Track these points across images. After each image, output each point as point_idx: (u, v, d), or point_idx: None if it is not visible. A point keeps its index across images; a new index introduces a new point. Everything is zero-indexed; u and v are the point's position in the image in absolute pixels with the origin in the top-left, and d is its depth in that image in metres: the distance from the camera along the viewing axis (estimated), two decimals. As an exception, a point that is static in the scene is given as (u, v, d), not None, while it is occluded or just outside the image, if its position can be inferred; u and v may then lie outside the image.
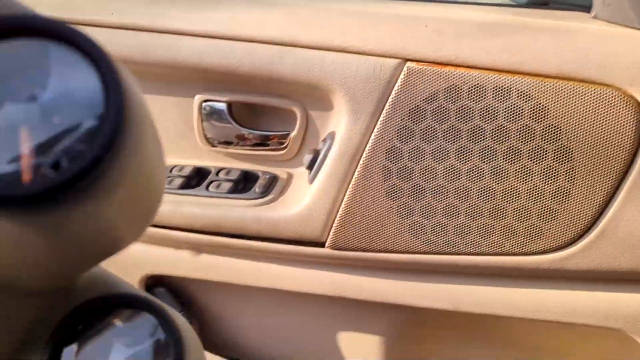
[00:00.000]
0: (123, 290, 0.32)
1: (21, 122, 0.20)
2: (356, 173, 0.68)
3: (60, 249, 0.22)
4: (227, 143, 0.78)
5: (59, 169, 0.19)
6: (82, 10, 0.75)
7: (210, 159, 0.81)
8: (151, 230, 0.78)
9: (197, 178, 0.80)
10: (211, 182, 0.77)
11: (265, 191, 0.75)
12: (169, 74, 0.75)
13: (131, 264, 0.82)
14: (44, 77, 0.20)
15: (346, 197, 0.69)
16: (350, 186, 0.69)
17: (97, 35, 0.73)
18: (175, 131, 0.80)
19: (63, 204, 0.19)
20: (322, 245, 0.72)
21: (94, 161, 0.19)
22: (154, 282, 0.85)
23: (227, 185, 0.76)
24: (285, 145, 0.77)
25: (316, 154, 0.72)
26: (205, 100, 0.76)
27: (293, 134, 0.76)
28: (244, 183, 0.78)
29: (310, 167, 0.73)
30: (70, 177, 0.19)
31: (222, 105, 0.76)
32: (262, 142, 0.77)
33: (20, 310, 0.28)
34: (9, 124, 0.20)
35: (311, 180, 0.72)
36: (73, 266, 0.26)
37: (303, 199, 0.72)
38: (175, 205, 0.75)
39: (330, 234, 0.71)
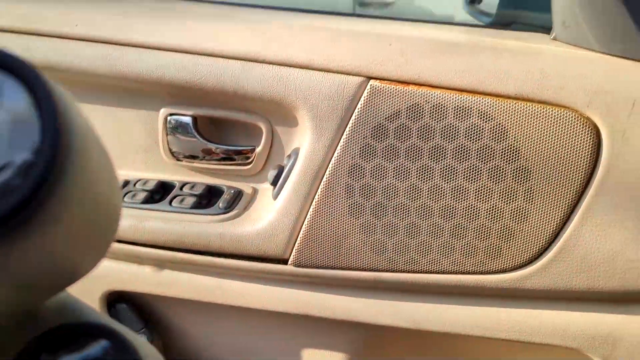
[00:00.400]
0: (87, 317, 0.31)
1: None
2: (319, 190, 0.68)
3: (11, 281, 0.21)
4: (193, 157, 0.77)
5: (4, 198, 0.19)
6: (46, 22, 0.74)
7: (175, 173, 0.80)
8: (113, 245, 0.76)
9: (161, 192, 0.79)
10: (175, 196, 0.77)
11: (229, 206, 0.75)
12: (134, 87, 0.75)
13: (93, 280, 0.80)
14: None
15: (309, 213, 0.69)
16: (314, 203, 0.68)
17: (61, 47, 0.73)
18: (140, 144, 0.79)
19: (4, 238, 0.19)
20: (285, 262, 0.72)
21: (29, 196, 0.19)
22: (115, 298, 0.83)
23: (190, 200, 0.76)
24: (250, 160, 0.76)
25: (280, 169, 0.72)
26: (171, 114, 0.76)
27: (259, 149, 0.75)
28: (208, 198, 0.78)
29: (274, 182, 0.73)
30: (6, 213, 0.19)
31: (188, 119, 0.76)
32: (228, 157, 0.77)
33: None
34: None
35: (275, 196, 0.72)
36: (30, 296, 0.26)
37: (267, 215, 0.72)
38: (138, 220, 0.74)
39: (294, 250, 0.70)
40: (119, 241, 0.76)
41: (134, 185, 0.79)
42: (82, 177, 0.21)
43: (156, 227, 0.74)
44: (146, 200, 0.76)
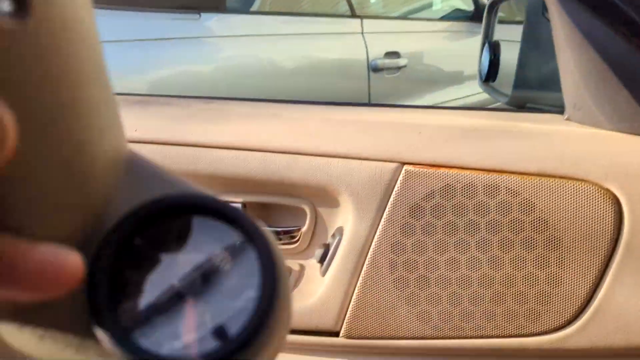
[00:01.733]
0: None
1: (186, 293, 0.22)
2: (365, 266, 0.74)
3: None
4: (243, 240, 0.84)
5: (223, 338, 0.21)
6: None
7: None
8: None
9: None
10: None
11: (281, 284, 0.81)
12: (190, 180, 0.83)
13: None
14: (201, 248, 0.23)
15: (357, 287, 0.75)
16: (360, 278, 0.74)
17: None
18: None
19: None
20: (337, 334, 0.77)
21: (255, 331, 0.21)
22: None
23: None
24: (296, 239, 0.83)
25: (327, 248, 0.79)
26: (222, 202, 0.83)
27: (304, 229, 0.82)
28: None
29: (321, 260, 0.79)
30: (236, 347, 0.21)
31: (237, 206, 0.83)
32: (276, 237, 0.84)
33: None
34: (174, 296, 0.22)
35: (323, 273, 0.78)
36: None
37: (316, 290, 0.78)
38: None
39: (344, 323, 0.76)
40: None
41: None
42: (286, 307, 0.24)
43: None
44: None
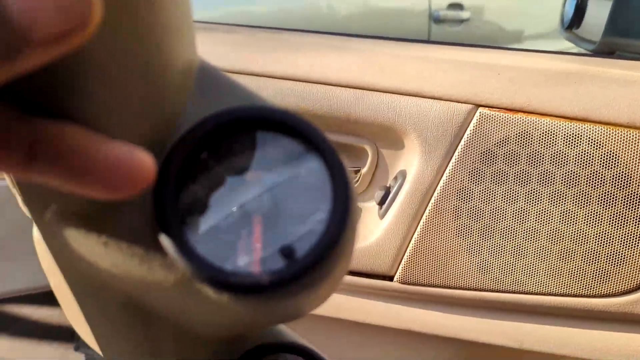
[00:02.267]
0: (285, 338, 0.34)
1: (254, 210, 0.21)
2: (427, 211, 0.71)
3: (259, 322, 0.25)
4: (300, 177, 0.83)
5: (289, 259, 0.21)
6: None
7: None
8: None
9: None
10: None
11: (336, 224, 0.79)
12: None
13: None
14: (272, 166, 0.22)
15: (416, 233, 0.72)
16: (421, 223, 0.72)
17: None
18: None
19: (284, 291, 0.21)
20: (391, 279, 0.75)
21: (323, 255, 0.20)
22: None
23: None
24: (356, 180, 0.81)
25: (387, 190, 0.76)
26: (282, 137, 0.82)
27: (364, 170, 0.80)
28: (315, 215, 0.83)
29: (381, 202, 0.77)
30: (301, 271, 0.20)
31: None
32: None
33: (198, 351, 0.31)
34: (242, 212, 0.21)
35: (382, 216, 0.76)
36: (257, 330, 0.30)
37: (373, 233, 0.76)
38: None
39: (400, 268, 0.74)
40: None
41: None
42: (353, 237, 0.23)
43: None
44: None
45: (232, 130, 0.22)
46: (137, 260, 0.22)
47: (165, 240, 0.21)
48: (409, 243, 0.73)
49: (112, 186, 0.18)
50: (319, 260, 0.20)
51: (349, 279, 0.77)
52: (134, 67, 0.19)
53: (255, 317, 0.24)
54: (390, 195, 0.75)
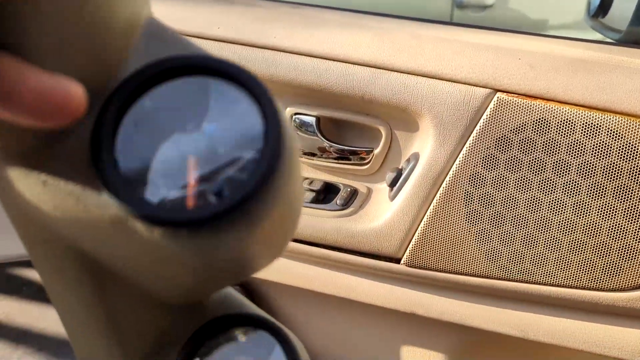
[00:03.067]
0: (248, 310, 0.34)
1: (189, 151, 0.22)
2: (438, 195, 0.71)
3: (204, 270, 0.24)
4: (312, 154, 0.82)
5: (221, 196, 0.21)
6: (190, 22, 0.81)
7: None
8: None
9: (281, 185, 0.84)
10: (295, 190, 0.82)
11: (346, 204, 0.79)
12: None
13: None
14: (208, 111, 0.23)
15: (426, 217, 0.72)
16: (431, 207, 0.71)
17: (201, 47, 0.79)
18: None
19: (219, 229, 0.21)
20: (398, 261, 0.75)
21: (254, 191, 0.21)
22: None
23: (309, 195, 0.80)
24: (367, 160, 0.80)
25: (399, 172, 0.75)
26: (296, 113, 0.81)
27: (377, 151, 0.79)
28: (325, 194, 0.82)
29: (392, 184, 0.76)
30: (232, 205, 0.21)
31: (311, 119, 0.80)
32: (345, 156, 0.81)
33: (154, 318, 0.31)
34: (177, 153, 0.22)
35: (392, 198, 0.76)
36: (208, 287, 0.29)
37: (382, 214, 0.76)
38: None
39: (407, 251, 0.74)
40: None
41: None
42: (289, 181, 0.24)
43: (277, 218, 0.79)
44: (268, 192, 0.82)
45: (170, 77, 0.23)
46: (74, 199, 0.22)
47: (99, 177, 0.22)
48: (418, 226, 0.73)
49: (41, 115, 0.19)
50: (249, 195, 0.21)
51: (353, 258, 0.77)
52: (72, 6, 0.20)
53: (196, 265, 0.23)
54: (402, 178, 0.74)
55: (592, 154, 0.64)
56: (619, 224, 0.65)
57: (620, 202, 0.64)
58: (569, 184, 0.65)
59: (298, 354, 0.31)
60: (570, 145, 0.65)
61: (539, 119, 0.65)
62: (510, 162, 0.67)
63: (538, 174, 0.66)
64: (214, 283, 0.28)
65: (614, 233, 0.66)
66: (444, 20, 0.81)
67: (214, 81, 0.23)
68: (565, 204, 0.66)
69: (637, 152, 0.62)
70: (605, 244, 0.66)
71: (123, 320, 0.29)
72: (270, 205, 0.22)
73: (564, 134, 0.65)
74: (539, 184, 0.67)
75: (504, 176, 0.67)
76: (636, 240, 0.65)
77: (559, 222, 0.67)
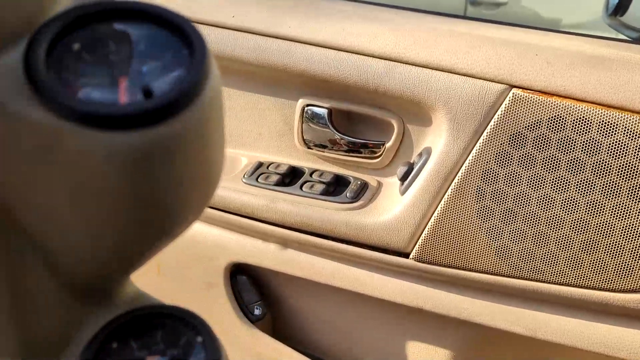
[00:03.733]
0: (161, 304, 0.32)
1: (121, 70, 0.25)
2: (449, 190, 0.70)
3: (131, 190, 0.25)
4: (323, 146, 0.82)
5: (150, 97, 0.24)
6: (205, 11, 0.81)
7: (305, 160, 0.85)
8: (244, 221, 0.82)
9: (291, 177, 0.84)
10: (305, 182, 0.81)
11: (356, 197, 0.78)
12: (278, 77, 0.80)
13: (219, 250, 0.87)
14: (139, 48, 0.25)
15: (437, 212, 0.71)
16: (442, 202, 0.71)
17: (216, 35, 0.79)
18: (276, 130, 0.85)
19: (151, 129, 0.23)
20: (407, 256, 0.75)
21: (180, 94, 0.23)
22: (237, 270, 0.90)
23: (319, 187, 0.80)
24: (379, 154, 0.80)
25: (410, 166, 0.75)
26: (308, 105, 0.81)
27: (388, 145, 0.78)
28: (335, 186, 0.82)
29: (403, 178, 0.75)
30: (161, 103, 0.23)
31: (323, 111, 0.80)
32: (356, 149, 0.81)
33: (61, 308, 0.29)
34: (108, 68, 0.25)
35: (403, 192, 0.75)
36: (132, 237, 0.27)
37: (393, 208, 0.75)
38: (270, 200, 0.80)
39: (416, 246, 0.73)
40: (251, 218, 0.82)
41: (267, 167, 0.84)
42: (210, 110, 0.26)
43: (286, 208, 0.79)
44: (278, 183, 0.82)
45: (99, 20, 0.25)
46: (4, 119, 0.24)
47: (34, 88, 0.23)
48: (428, 221, 0.72)
49: None
50: (175, 97, 0.23)
51: (362, 251, 0.76)
52: None
53: (125, 179, 0.24)
54: (413, 172, 0.74)
55: (607, 153, 0.63)
56: (632, 225, 0.64)
57: (635, 202, 0.64)
58: (583, 183, 0.65)
59: (219, 348, 0.29)
60: (586, 144, 0.64)
61: (555, 116, 0.64)
62: (524, 159, 0.66)
63: (552, 171, 0.66)
64: (137, 224, 0.27)
65: (627, 234, 0.65)
66: (460, 14, 0.80)
67: (147, 24, 0.26)
68: (579, 203, 0.65)
69: (653, 152, 0.62)
70: (618, 244, 0.65)
71: (27, 304, 0.28)
72: (193, 120, 0.24)
73: (580, 132, 0.64)
74: (553, 182, 0.66)
75: (517, 173, 0.67)
76: (650, 241, 0.64)
77: (572, 220, 0.66)
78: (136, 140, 0.23)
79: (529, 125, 0.65)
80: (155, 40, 0.26)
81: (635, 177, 0.63)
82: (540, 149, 0.65)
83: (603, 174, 0.64)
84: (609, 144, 0.63)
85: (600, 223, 0.65)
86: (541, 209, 0.67)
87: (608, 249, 0.66)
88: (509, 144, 0.66)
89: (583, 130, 0.64)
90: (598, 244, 0.66)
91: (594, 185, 0.64)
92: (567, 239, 0.67)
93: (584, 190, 0.65)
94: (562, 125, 0.64)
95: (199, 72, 0.24)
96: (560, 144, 0.65)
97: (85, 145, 0.23)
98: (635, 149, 0.62)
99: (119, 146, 0.23)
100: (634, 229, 0.64)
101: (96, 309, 0.30)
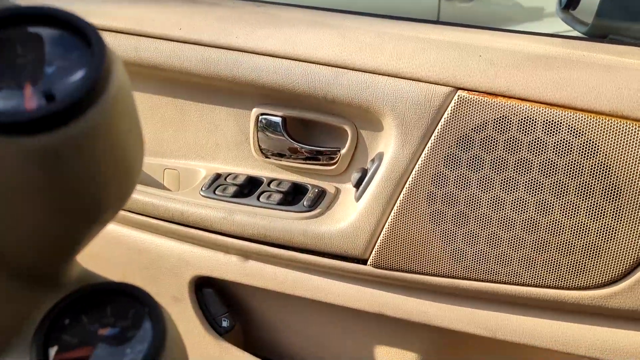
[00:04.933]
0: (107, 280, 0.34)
1: (25, 77, 0.26)
2: (401, 195, 0.70)
3: (52, 186, 0.26)
4: (280, 155, 0.81)
5: (53, 100, 0.25)
6: (152, 24, 0.80)
7: (263, 169, 0.85)
8: (203, 234, 0.82)
9: (249, 187, 0.83)
10: (262, 192, 0.81)
11: (313, 205, 0.78)
12: (229, 87, 0.79)
13: (183, 264, 0.87)
14: (43, 51, 0.27)
15: (390, 217, 0.71)
16: (395, 207, 0.70)
17: (164, 48, 0.78)
18: (232, 141, 0.84)
19: (58, 131, 0.24)
20: (365, 262, 0.74)
21: (83, 95, 0.24)
22: (202, 283, 0.89)
23: (277, 197, 0.80)
24: (335, 160, 0.79)
25: (364, 172, 0.75)
26: (262, 114, 0.80)
27: (343, 151, 0.78)
28: (293, 195, 0.81)
29: (357, 185, 0.75)
30: (65, 105, 0.24)
31: (278, 119, 0.79)
32: (313, 157, 0.80)
33: (8, 293, 0.30)
34: (13, 74, 0.26)
35: (358, 198, 0.75)
36: (63, 226, 0.29)
37: (349, 215, 0.75)
38: (228, 213, 0.79)
39: (373, 252, 0.73)
40: (209, 230, 0.81)
41: (225, 179, 0.84)
42: (118, 103, 0.27)
43: (244, 220, 0.78)
44: (236, 194, 0.81)
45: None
46: None
47: None
48: (383, 227, 0.72)
49: None
50: (78, 96, 0.24)
51: (321, 260, 0.76)
52: None
53: (43, 176, 0.25)
54: (367, 178, 0.73)
55: (553, 152, 0.63)
56: (581, 222, 0.64)
57: (583, 200, 0.63)
58: (531, 183, 0.65)
59: (164, 322, 0.31)
60: (532, 144, 0.64)
61: (500, 117, 0.64)
62: (473, 161, 0.66)
63: (500, 172, 0.65)
64: (65, 215, 0.28)
65: (577, 231, 0.65)
66: (407, 17, 0.80)
67: (46, 29, 0.27)
68: (528, 203, 0.65)
69: (597, 149, 0.61)
70: (569, 242, 0.65)
71: None
72: (98, 118, 0.25)
73: (525, 131, 0.64)
74: (502, 183, 0.66)
75: (466, 175, 0.67)
76: (599, 238, 0.64)
77: (522, 221, 0.66)
78: (45, 142, 0.24)
79: (475, 127, 0.65)
80: (61, 44, 0.27)
81: (581, 175, 0.63)
82: (487, 150, 0.65)
83: (550, 173, 0.64)
84: (555, 143, 0.63)
85: (550, 222, 0.65)
86: (492, 211, 0.67)
87: (559, 248, 0.66)
88: (456, 146, 0.66)
89: (528, 130, 0.63)
90: (549, 243, 0.66)
91: (542, 184, 0.64)
92: (519, 239, 0.67)
93: (533, 190, 0.65)
94: (507, 125, 0.64)
95: (98, 71, 0.25)
96: (507, 145, 0.64)
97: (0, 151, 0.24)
98: (580, 147, 0.62)
99: (29, 149, 0.24)
100: (583, 227, 0.64)
101: (45, 293, 0.32)
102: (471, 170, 0.66)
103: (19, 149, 0.24)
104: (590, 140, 0.61)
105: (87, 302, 0.31)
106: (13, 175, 0.25)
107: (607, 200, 0.63)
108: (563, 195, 0.64)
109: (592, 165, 0.62)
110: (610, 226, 0.64)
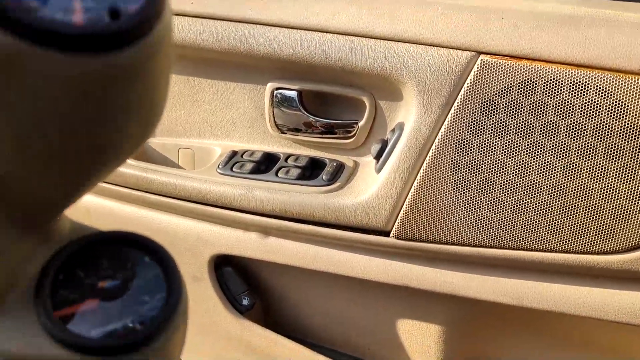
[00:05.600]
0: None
1: None
2: (424, 165, 0.69)
3: (87, 109, 0.24)
4: (296, 130, 0.80)
5: (117, 17, 0.22)
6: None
7: (280, 145, 0.84)
8: (222, 212, 0.81)
9: (266, 163, 0.82)
10: (280, 168, 0.80)
11: (332, 179, 0.77)
12: (243, 62, 0.78)
13: (201, 243, 0.86)
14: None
15: (413, 188, 0.70)
16: (418, 177, 0.69)
17: (177, 23, 0.77)
18: (248, 117, 0.83)
19: (113, 53, 0.22)
20: (387, 234, 0.73)
21: (149, 15, 0.22)
22: (222, 261, 0.89)
23: (295, 172, 0.79)
24: (352, 134, 0.78)
25: (384, 143, 0.73)
26: (277, 88, 0.79)
27: (361, 123, 0.77)
28: (311, 170, 0.80)
29: (377, 156, 0.74)
30: (127, 26, 0.22)
31: (293, 94, 0.78)
32: (330, 130, 0.79)
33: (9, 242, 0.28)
34: None
35: (378, 170, 0.74)
36: (80, 166, 0.27)
37: (369, 187, 0.74)
38: (246, 189, 0.78)
39: (396, 223, 0.72)
40: (228, 208, 0.81)
41: (242, 156, 0.83)
42: (167, 39, 0.25)
43: (263, 196, 0.78)
44: (253, 171, 0.80)
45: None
46: None
47: None
48: (406, 198, 0.71)
49: None
50: (144, 19, 0.22)
51: (342, 233, 0.75)
52: None
53: (84, 104, 0.23)
54: (387, 149, 0.72)
55: (580, 114, 0.62)
56: (611, 185, 0.63)
57: (612, 162, 0.62)
58: (558, 146, 0.63)
59: (173, 266, 0.29)
60: (558, 106, 0.62)
61: (525, 80, 0.63)
62: (497, 127, 0.65)
63: (526, 137, 0.64)
64: (87, 152, 0.26)
65: (606, 195, 0.64)
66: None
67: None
68: (555, 167, 0.64)
69: (627, 109, 0.60)
70: (598, 206, 0.64)
71: None
72: (154, 44, 0.23)
73: (551, 94, 0.62)
74: (527, 148, 0.64)
75: (491, 141, 0.65)
76: (628, 201, 0.63)
77: (549, 185, 0.65)
78: (100, 63, 0.22)
79: (499, 92, 0.64)
80: None
81: (610, 137, 0.61)
82: (512, 115, 0.64)
83: (578, 135, 0.62)
84: (582, 105, 0.61)
85: (578, 186, 0.64)
86: (518, 177, 0.66)
87: (588, 212, 0.65)
88: (480, 112, 0.65)
89: (554, 93, 0.62)
90: (577, 208, 0.65)
91: (570, 148, 0.63)
92: (546, 205, 0.66)
93: (560, 154, 0.63)
94: (533, 89, 0.63)
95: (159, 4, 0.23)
96: (533, 109, 0.63)
97: (47, 69, 0.21)
98: (609, 108, 0.61)
99: (81, 70, 0.22)
100: (613, 190, 0.63)
101: (35, 246, 0.30)
102: (496, 136, 0.65)
103: (68, 68, 0.22)
104: (619, 100, 0.60)
105: (81, 255, 0.30)
106: (52, 98, 0.23)
107: (636, 161, 0.61)
108: (591, 158, 0.63)
109: (622, 126, 0.61)
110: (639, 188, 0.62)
